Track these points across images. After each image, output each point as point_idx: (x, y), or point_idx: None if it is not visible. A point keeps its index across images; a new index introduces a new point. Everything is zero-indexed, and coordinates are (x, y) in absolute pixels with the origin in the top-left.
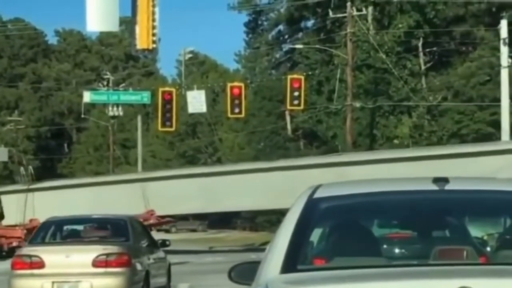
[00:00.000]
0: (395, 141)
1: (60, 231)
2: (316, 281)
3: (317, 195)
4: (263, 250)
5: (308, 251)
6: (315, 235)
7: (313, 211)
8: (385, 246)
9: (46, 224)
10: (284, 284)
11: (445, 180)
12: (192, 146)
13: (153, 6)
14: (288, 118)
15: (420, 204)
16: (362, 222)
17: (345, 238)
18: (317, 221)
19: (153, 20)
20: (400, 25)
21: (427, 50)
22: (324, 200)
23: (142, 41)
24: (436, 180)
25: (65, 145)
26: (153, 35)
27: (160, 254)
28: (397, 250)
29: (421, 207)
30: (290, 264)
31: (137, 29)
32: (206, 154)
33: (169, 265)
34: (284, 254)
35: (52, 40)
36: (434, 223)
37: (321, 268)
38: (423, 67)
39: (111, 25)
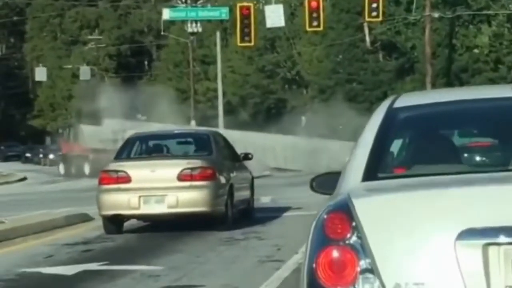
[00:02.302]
0: (475, 50)
1: (144, 146)
2: (398, 187)
3: (397, 104)
4: None
5: (388, 160)
6: (395, 145)
7: (393, 120)
8: (466, 154)
9: (131, 140)
10: (365, 191)
11: None
12: (271, 61)
13: None
14: (366, 30)
15: (502, 112)
16: (443, 131)
17: (425, 146)
18: (397, 130)
19: None
20: None
21: None
22: (404, 110)
23: None
24: None
25: (145, 62)
26: None
27: (243, 167)
28: (478, 158)
29: (502, 115)
30: (371, 173)
31: None
32: (285, 68)
33: (252, 178)
34: (365, 163)
35: None
36: None
37: (402, 175)
38: None
39: None
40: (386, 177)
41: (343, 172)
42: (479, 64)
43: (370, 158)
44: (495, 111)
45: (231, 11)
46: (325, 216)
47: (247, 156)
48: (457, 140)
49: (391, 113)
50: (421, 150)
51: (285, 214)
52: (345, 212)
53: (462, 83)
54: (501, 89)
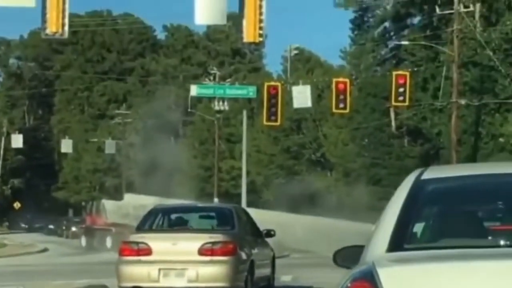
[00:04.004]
0: (501, 139)
1: (166, 219)
2: (423, 258)
3: (425, 176)
4: None
5: (414, 231)
6: (422, 216)
7: (420, 191)
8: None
9: (153, 212)
10: (390, 262)
11: None
12: (297, 142)
13: (260, 0)
14: (392, 115)
15: None
16: (468, 204)
17: (451, 219)
18: (423, 201)
19: (260, 14)
20: (508, 22)
21: None
22: (431, 182)
23: (248, 34)
24: None
25: (172, 138)
26: (260, 28)
27: (265, 244)
28: (503, 236)
29: None
30: (397, 243)
31: (244, 22)
32: (310, 149)
33: (274, 255)
34: (391, 233)
35: (160, 35)
36: None
37: (428, 247)
38: None
39: (219, 19)
40: (412, 248)
41: (369, 242)
42: (504, 153)
43: (396, 229)
44: None
45: (259, 90)
46: (349, 284)
47: (269, 233)
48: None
49: (419, 184)
50: (446, 222)
51: None
52: (369, 280)
53: None
54: None
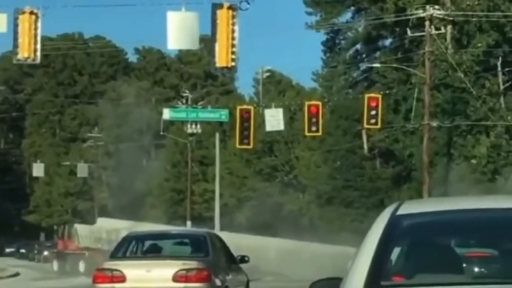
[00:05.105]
0: (473, 160)
1: (140, 246)
2: None
3: (400, 212)
4: None
5: (391, 268)
6: (398, 252)
7: (396, 227)
8: (467, 264)
9: (127, 239)
10: None
11: None
12: (269, 164)
13: (233, 24)
14: (364, 137)
15: (504, 223)
16: (444, 239)
17: (427, 255)
18: (399, 237)
19: (233, 39)
20: (479, 44)
21: (506, 69)
22: (406, 217)
23: (221, 59)
24: None
25: (144, 161)
26: (233, 53)
27: (239, 269)
28: (479, 269)
29: (504, 226)
30: (374, 280)
31: (217, 47)
32: (282, 172)
33: (248, 281)
34: (367, 270)
35: (132, 58)
36: None
37: (404, 284)
38: (501, 87)
39: (192, 43)
40: (388, 285)
41: (345, 278)
42: (476, 175)
43: (373, 265)
44: (498, 222)
45: (231, 113)
46: None
47: (243, 259)
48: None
49: (394, 220)
50: (423, 258)
51: None
52: None
53: (459, 193)
54: (506, 200)
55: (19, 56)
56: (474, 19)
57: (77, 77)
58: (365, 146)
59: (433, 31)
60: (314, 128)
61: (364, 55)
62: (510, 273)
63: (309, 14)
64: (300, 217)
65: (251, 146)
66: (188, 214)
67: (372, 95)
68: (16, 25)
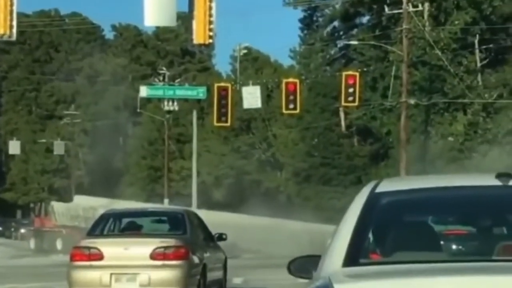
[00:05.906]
0: (450, 138)
1: (118, 224)
2: (378, 274)
3: (379, 189)
4: None
5: (370, 245)
6: (377, 230)
7: (375, 205)
8: (445, 242)
9: (104, 216)
10: (346, 277)
11: (508, 176)
12: (247, 142)
13: (210, 1)
14: (342, 115)
15: (482, 200)
16: (423, 217)
17: (405, 233)
18: (378, 215)
19: (210, 15)
20: (456, 22)
21: (483, 47)
22: (385, 195)
23: (198, 35)
24: (499, 176)
25: (121, 138)
26: (210, 30)
27: (217, 247)
28: (457, 247)
29: (482, 203)
30: (352, 258)
31: (194, 24)
32: (260, 149)
33: (225, 258)
34: (346, 248)
35: (109, 35)
36: (496, 219)
37: (383, 262)
38: (479, 64)
39: (169, 20)
40: (367, 263)
41: (324, 256)
42: (453, 152)
43: (352, 243)
44: (476, 199)
45: (209, 91)
46: None
47: (221, 237)
48: (436, 227)
49: (373, 197)
50: (401, 236)
51: None
52: None
53: (436, 171)
54: (483, 178)
55: None
56: None
57: (53, 54)
58: (343, 123)
59: (411, 8)
60: (291, 106)
61: (341, 33)
62: (487, 251)
63: None
64: (277, 195)
65: (228, 124)
66: (165, 192)
67: (350, 72)
68: None
